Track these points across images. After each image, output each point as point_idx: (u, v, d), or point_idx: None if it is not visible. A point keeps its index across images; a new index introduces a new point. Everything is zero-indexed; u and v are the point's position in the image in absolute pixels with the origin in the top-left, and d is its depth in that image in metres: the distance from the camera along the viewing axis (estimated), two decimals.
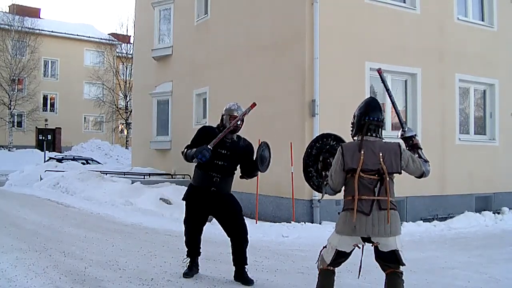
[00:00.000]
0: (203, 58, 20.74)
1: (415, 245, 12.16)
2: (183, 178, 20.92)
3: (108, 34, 60.15)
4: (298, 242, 12.06)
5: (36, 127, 53.32)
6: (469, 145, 17.50)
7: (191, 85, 21.49)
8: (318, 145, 6.94)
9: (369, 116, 6.01)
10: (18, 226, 12.99)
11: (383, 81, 6.88)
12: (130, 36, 54.37)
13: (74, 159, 35.11)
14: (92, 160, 37.87)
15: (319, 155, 6.88)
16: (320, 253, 6.29)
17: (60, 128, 54.79)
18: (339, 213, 6.04)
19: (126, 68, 53.12)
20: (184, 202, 8.55)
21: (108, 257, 9.62)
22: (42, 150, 43.61)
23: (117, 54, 56.62)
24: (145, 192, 18.09)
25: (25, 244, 10.16)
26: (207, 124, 10.35)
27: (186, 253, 8.55)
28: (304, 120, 14.85)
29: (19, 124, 52.63)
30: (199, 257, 8.63)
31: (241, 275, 8.14)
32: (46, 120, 53.80)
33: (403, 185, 15.73)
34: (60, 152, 48.37)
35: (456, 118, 17.37)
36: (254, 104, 8.52)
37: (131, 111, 42.79)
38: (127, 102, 52.57)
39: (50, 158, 36.73)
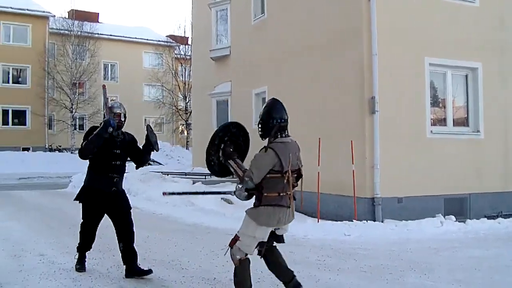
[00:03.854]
0: (261, 57, 20.76)
1: (479, 243, 11.98)
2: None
3: (166, 36, 60.46)
4: (360, 241, 11.97)
5: None
6: None
7: (249, 85, 21.53)
8: (221, 135, 7.17)
9: (277, 117, 6.70)
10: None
11: None
12: (188, 37, 54.61)
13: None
14: (154, 161, 38.20)
15: (221, 143, 7.15)
16: (231, 247, 6.73)
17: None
18: (262, 206, 6.54)
19: (185, 70, 53.38)
20: (81, 205, 8.52)
21: (171, 257, 9.72)
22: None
23: (176, 55, 56.88)
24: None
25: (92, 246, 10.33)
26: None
27: (77, 249, 8.58)
28: (364, 117, 14.75)
29: (81, 127, 53.29)
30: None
31: (136, 269, 8.26)
32: None
33: (466, 182, 15.64)
34: None
35: None
36: (104, 86, 9.03)
37: (190, 112, 43.04)
38: (187, 103, 52.85)
39: None
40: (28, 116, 48.20)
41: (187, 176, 22.08)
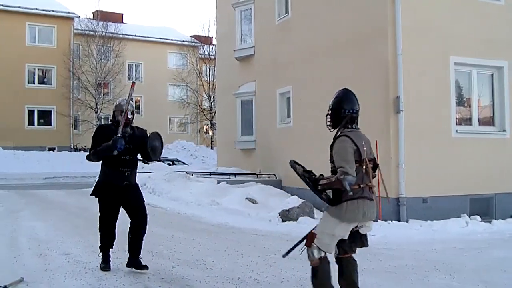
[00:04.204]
0: (285, 57, 20.75)
1: (505, 244, 11.91)
2: (269, 177, 20.99)
3: (190, 36, 60.61)
4: (385, 241, 11.90)
5: None
6: None
7: (274, 85, 21.52)
8: (298, 166, 6.76)
9: (349, 108, 6.50)
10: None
11: None
12: (212, 37, 54.70)
13: (160, 160, 35.59)
14: (178, 161, 38.33)
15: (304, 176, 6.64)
16: (308, 247, 6.31)
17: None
18: (344, 202, 6.08)
19: (209, 69, 53.49)
20: (97, 198, 8.75)
21: (195, 257, 9.75)
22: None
23: (200, 55, 57.04)
24: (231, 191, 18.23)
25: (115, 245, 10.38)
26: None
27: (99, 248, 8.70)
28: (389, 117, 14.73)
29: None
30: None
31: (137, 262, 8.52)
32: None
33: (492, 182, 15.53)
34: None
35: None
36: (133, 83, 8.91)
37: (215, 111, 43.11)
38: (211, 103, 52.98)
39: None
40: (54, 116, 48.54)
41: (211, 176, 22.10)
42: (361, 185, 6.11)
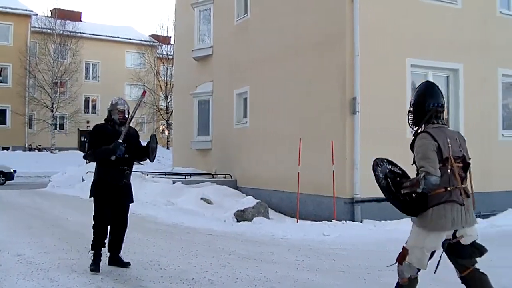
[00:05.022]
0: (243, 57, 20.74)
1: None
2: (224, 177, 20.96)
3: (149, 36, 60.51)
4: (339, 241, 11.97)
5: (78, 129, 54.00)
6: None
7: (231, 85, 21.49)
8: (380, 168, 6.18)
9: (433, 101, 5.78)
10: (61, 227, 13.14)
11: None
12: (170, 37, 54.58)
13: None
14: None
15: (387, 178, 6.02)
16: (399, 263, 5.76)
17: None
18: (430, 208, 5.48)
19: (167, 69, 53.42)
20: (93, 198, 8.72)
21: (150, 257, 9.66)
22: (84, 151, 44.10)
23: (158, 55, 56.95)
24: (187, 192, 18.18)
25: (67, 245, 10.24)
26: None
27: (91, 246, 8.53)
28: (345, 118, 14.77)
29: (62, 126, 53.30)
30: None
31: (117, 259, 8.75)
32: (88, 122, 54.34)
33: None
34: None
35: (499, 113, 17.10)
36: (144, 92, 9.30)
37: (172, 111, 43.00)
38: (168, 103, 52.88)
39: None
40: (8, 115, 48.19)
41: (167, 176, 22.00)
42: (449, 188, 5.44)
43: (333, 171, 14.49)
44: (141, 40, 58.16)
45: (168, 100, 52.64)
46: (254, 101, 19.69)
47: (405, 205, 5.64)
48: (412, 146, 5.77)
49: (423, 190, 5.37)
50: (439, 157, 5.42)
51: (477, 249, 5.61)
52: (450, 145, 5.50)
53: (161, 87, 54.53)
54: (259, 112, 19.21)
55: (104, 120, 8.95)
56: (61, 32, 51.08)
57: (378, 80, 14.91)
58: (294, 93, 17.13)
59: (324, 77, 15.74)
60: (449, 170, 5.44)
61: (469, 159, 5.70)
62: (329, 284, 8.06)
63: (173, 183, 19.72)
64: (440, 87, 14.49)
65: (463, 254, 5.61)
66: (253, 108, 19.80)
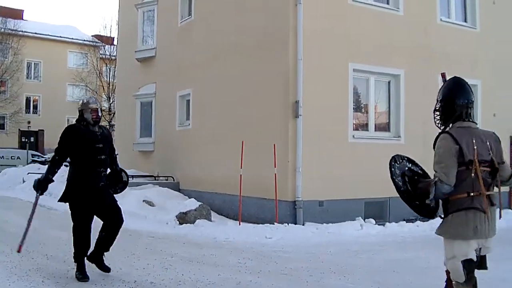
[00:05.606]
0: (186, 59, 20.68)
1: (398, 246, 12.23)
2: (166, 180, 20.87)
3: (92, 36, 59.81)
4: (281, 243, 12.06)
5: (19, 129, 53.23)
6: None
7: (174, 87, 21.40)
8: (398, 165, 5.74)
9: (464, 98, 5.30)
10: (0, 229, 12.91)
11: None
12: (113, 37, 54.10)
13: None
14: None
15: (404, 176, 5.66)
16: (450, 283, 5.30)
17: (43, 130, 54.49)
18: (441, 217, 5.26)
19: (110, 70, 52.83)
20: (69, 206, 8.34)
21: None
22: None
23: (101, 55, 56.28)
24: (128, 194, 17.94)
25: (7, 247, 10.06)
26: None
27: (74, 258, 8.18)
28: (287, 121, 14.83)
29: (2, 126, 52.51)
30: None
31: (101, 260, 8.34)
32: (29, 122, 53.69)
33: (387, 186, 15.84)
34: (43, 154, 48.19)
35: None
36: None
37: (114, 113, 42.67)
38: (111, 104, 52.37)
39: (33, 160, 36.57)
40: None
41: None
42: (471, 194, 4.99)
43: (276, 174, 14.55)
44: (84, 40, 57.48)
45: (111, 101, 52.09)
46: (197, 103, 19.65)
47: (419, 206, 5.37)
48: (434, 145, 5.38)
49: (434, 197, 5.08)
50: (461, 160, 5.01)
51: (481, 264, 5.24)
52: (475, 147, 5.04)
53: (103, 88, 53.94)
54: (202, 114, 19.18)
55: (76, 121, 8.47)
56: (2, 30, 50.30)
57: (321, 84, 15.02)
58: (237, 95, 17.16)
59: (267, 80, 15.81)
60: (472, 174, 5.00)
61: (502, 162, 5.23)
62: (271, 286, 8.10)
63: None
64: (381, 92, 14.72)
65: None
66: (196, 110, 19.75)
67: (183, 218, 15.03)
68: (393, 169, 5.57)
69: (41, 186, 8.01)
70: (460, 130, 5.14)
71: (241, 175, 15.01)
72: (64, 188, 8.33)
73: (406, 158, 5.83)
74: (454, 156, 5.00)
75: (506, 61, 18.70)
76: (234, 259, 10.08)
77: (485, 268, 5.23)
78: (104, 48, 56.36)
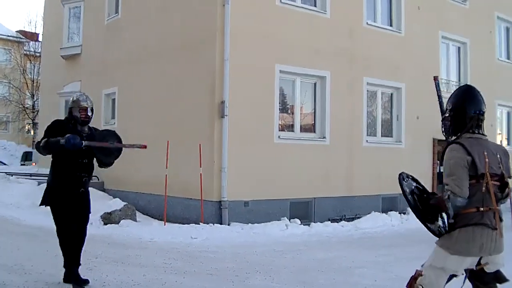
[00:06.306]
0: (112, 58, 20.49)
1: (322, 245, 12.39)
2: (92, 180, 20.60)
3: (16, 31, 58.66)
4: (207, 244, 12.08)
5: None
6: (376, 147, 17.85)
7: (100, 85, 21.14)
8: (405, 183, 5.36)
9: (476, 108, 5.05)
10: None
11: (437, 89, 5.72)
12: (38, 33, 53.27)
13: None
14: None
15: (413, 194, 5.31)
16: (413, 283, 5.09)
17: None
18: (444, 229, 4.97)
19: (34, 67, 51.96)
20: (50, 210, 7.88)
21: (14, 261, 9.32)
22: None
23: (25, 52, 55.30)
24: None
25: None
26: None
27: (64, 266, 7.84)
28: (213, 121, 14.84)
29: None
30: None
31: (77, 275, 7.77)
32: None
33: (312, 186, 16.10)
34: None
35: (364, 120, 17.72)
36: (144, 146, 8.52)
37: (38, 110, 41.97)
38: (34, 101, 51.49)
39: None
40: None
41: (32, 178, 21.45)
42: (481, 209, 4.76)
43: (201, 174, 14.55)
44: (8, 36, 56.27)
45: (35, 98, 51.24)
46: (123, 102, 19.50)
47: (431, 224, 5.06)
48: (442, 157, 5.06)
49: (455, 204, 4.76)
50: (472, 172, 4.77)
51: (498, 278, 4.99)
52: (487, 160, 4.81)
53: (27, 85, 52.99)
54: (128, 114, 19.02)
55: (65, 119, 8.11)
56: None
57: (247, 84, 15.09)
58: (163, 95, 17.09)
59: (193, 80, 15.78)
60: (483, 188, 4.77)
61: (509, 177, 4.97)
62: (197, 286, 8.12)
63: (38, 184, 19.22)
64: (307, 93, 14.84)
65: (483, 281, 5.00)
66: (121, 109, 19.60)
67: (108, 218, 14.86)
68: (403, 187, 5.28)
69: (72, 140, 7.21)
70: (471, 141, 4.91)
71: (166, 175, 14.95)
72: (44, 191, 7.98)
73: (410, 177, 5.55)
74: (466, 168, 4.77)
75: (429, 65, 19.11)
76: (160, 260, 10.04)
77: (505, 280, 5.00)
78: (29, 44, 55.39)
